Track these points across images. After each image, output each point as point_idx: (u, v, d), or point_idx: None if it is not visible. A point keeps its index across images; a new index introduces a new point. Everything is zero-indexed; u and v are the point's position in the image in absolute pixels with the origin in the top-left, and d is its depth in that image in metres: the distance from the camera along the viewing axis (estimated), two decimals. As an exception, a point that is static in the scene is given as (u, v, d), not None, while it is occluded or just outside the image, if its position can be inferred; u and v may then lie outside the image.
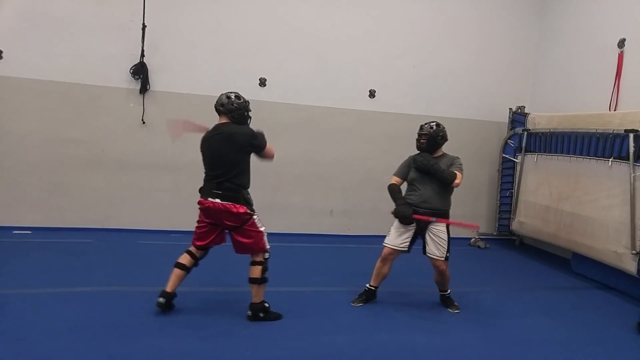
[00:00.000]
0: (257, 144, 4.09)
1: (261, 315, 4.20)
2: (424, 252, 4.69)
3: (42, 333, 3.71)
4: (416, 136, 4.69)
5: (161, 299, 4.13)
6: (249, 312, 4.21)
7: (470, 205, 7.96)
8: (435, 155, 4.68)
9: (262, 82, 7.16)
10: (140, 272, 5.24)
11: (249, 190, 4.21)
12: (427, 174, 4.56)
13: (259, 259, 4.17)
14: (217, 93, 7.38)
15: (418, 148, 4.68)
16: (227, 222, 4.07)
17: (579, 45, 7.23)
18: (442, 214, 4.63)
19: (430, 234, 4.60)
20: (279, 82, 7.20)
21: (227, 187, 3.99)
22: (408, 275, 5.46)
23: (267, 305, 4.26)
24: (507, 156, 7.61)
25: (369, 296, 4.83)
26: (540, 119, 7.11)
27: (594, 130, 5.94)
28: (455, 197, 7.74)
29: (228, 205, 4.01)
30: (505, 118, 7.77)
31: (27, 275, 4.93)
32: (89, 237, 6.46)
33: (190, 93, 6.84)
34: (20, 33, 6.38)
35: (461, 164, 4.66)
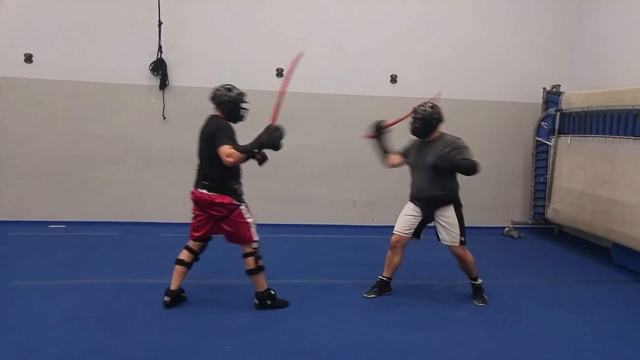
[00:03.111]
0: (215, 140, 3.90)
1: (268, 302, 4.26)
2: (439, 240, 4.50)
3: (39, 323, 3.86)
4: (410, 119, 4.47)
5: (166, 298, 4.22)
6: (256, 301, 4.27)
7: (504, 193, 7.56)
8: (431, 137, 4.42)
9: (280, 73, 7.08)
10: (155, 264, 5.31)
11: (239, 180, 4.16)
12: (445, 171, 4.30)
13: (248, 250, 4.18)
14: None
15: (412, 132, 4.47)
16: (213, 212, 4.08)
17: (623, 15, 6.57)
18: (446, 200, 4.39)
19: (440, 221, 4.40)
20: (297, 71, 6.99)
21: (212, 178, 3.98)
22: (424, 266, 5.20)
23: (273, 292, 4.30)
24: (540, 139, 7.12)
25: (381, 288, 4.67)
26: (575, 98, 6.57)
27: (631, 107, 5.38)
28: (489, 184, 7.41)
29: (213, 196, 4.01)
30: (539, 99, 7.25)
31: (45, 268, 5.16)
32: (116, 230, 6.71)
33: (208, 87, 6.73)
34: (48, 37, 6.69)
35: (466, 147, 4.32)
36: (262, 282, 4.24)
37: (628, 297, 4.92)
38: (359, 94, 7.22)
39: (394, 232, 4.57)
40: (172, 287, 4.22)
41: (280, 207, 7.24)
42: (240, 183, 4.17)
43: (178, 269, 4.23)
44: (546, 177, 7.07)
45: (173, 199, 7.07)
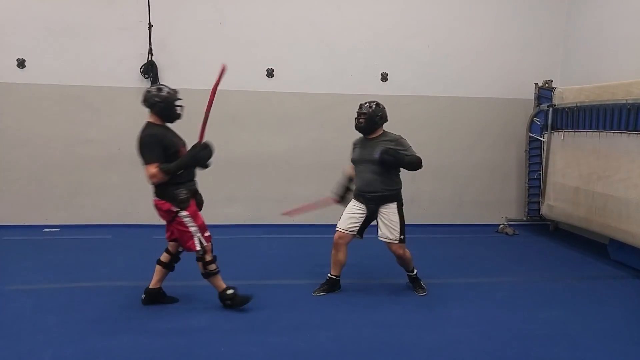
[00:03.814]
0: (141, 158, 3.85)
1: (228, 302, 4.21)
2: (379, 236, 4.54)
3: (32, 328, 3.84)
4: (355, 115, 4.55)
5: (143, 296, 4.28)
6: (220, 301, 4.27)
7: (498, 190, 7.55)
8: (375, 135, 4.51)
9: (270, 73, 7.07)
10: (148, 266, 5.19)
11: (183, 184, 3.95)
12: (391, 165, 4.39)
13: (197, 255, 4.11)
14: (225, 86, 7.38)
15: (356, 128, 4.54)
16: (161, 217, 4.08)
17: (614, 7, 6.55)
18: (390, 197, 4.46)
19: (382, 217, 4.47)
20: (287, 71, 7.09)
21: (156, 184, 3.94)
22: (416, 266, 5.17)
23: (230, 292, 4.20)
24: (533, 135, 7.08)
25: (330, 286, 4.71)
26: (568, 93, 6.54)
27: (624, 101, 5.36)
28: (482, 181, 7.40)
29: (155, 201, 4.00)
30: (531, 94, 7.21)
31: (39, 271, 5.15)
32: (109, 233, 6.70)
33: (199, 88, 6.76)
34: (39, 41, 6.68)
35: (408, 144, 4.45)
36: (218, 284, 4.19)
37: (625, 293, 4.89)
38: (350, 93, 7.15)
39: (336, 229, 4.61)
40: (150, 285, 4.26)
41: (273, 208, 7.18)
42: (181, 187, 3.92)
43: (156, 268, 4.29)
44: (540, 174, 7.04)
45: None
